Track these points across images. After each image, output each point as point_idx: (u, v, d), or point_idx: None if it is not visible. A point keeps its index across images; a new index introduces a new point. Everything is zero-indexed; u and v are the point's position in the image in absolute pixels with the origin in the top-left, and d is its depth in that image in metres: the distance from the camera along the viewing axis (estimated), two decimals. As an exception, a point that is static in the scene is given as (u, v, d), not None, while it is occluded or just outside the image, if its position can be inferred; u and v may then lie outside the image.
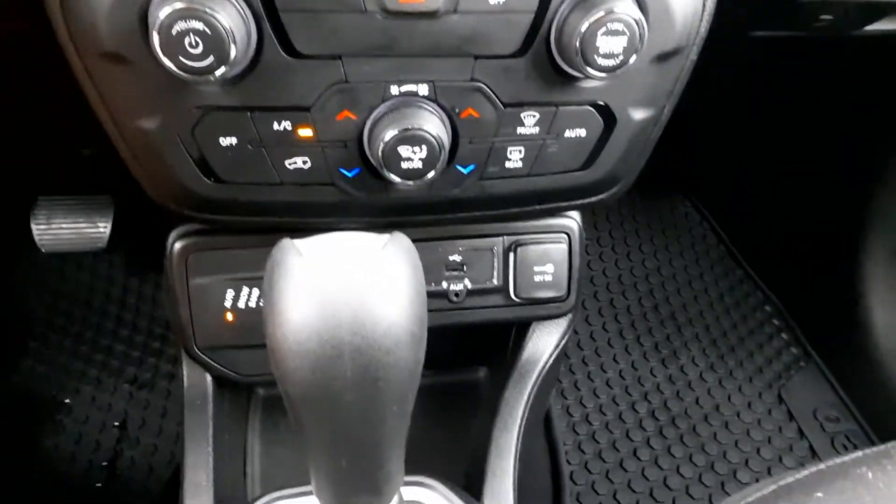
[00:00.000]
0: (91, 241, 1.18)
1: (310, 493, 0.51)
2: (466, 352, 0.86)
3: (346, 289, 0.33)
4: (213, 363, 0.67)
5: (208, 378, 0.68)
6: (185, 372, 0.68)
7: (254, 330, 0.65)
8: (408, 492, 0.54)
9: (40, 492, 1.06)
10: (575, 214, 0.70)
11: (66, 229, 1.17)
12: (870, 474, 0.50)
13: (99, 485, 1.06)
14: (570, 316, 0.73)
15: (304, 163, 0.53)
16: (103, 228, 1.19)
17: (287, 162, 0.52)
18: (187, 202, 0.55)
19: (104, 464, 1.08)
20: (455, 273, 0.68)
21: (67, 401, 1.17)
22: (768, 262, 1.42)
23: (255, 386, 0.82)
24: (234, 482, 0.70)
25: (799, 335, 1.33)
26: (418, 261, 0.37)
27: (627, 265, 1.43)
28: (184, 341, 0.66)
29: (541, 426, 1.09)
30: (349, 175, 0.54)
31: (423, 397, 0.88)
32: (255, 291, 0.65)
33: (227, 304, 0.65)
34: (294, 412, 0.37)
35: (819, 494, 0.48)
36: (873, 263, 1.23)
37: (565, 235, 0.69)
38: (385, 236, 0.36)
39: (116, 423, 1.13)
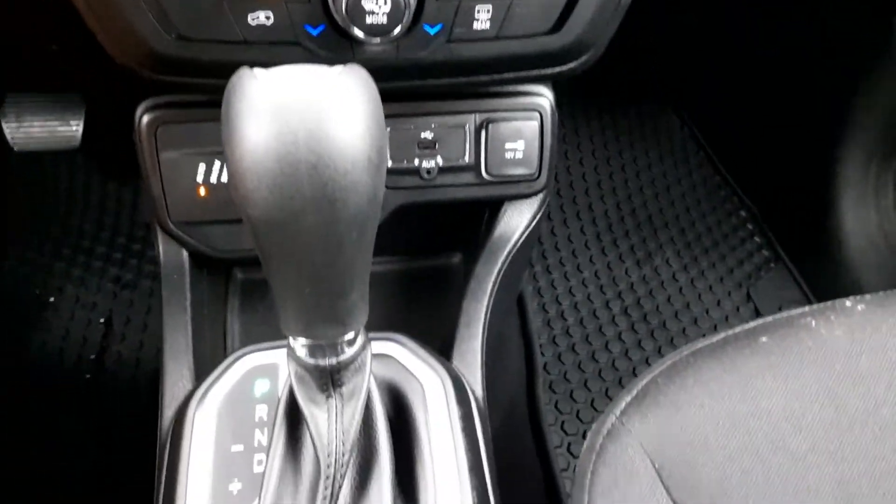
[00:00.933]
0: (64, 140, 1.16)
1: (285, 346, 0.53)
2: (441, 237, 0.88)
3: (302, 107, 0.34)
4: (187, 238, 0.68)
5: (184, 253, 0.69)
6: (160, 247, 0.69)
7: (227, 205, 0.66)
8: (377, 346, 0.56)
9: (32, 384, 1.09)
10: (547, 92, 0.70)
11: (38, 127, 1.15)
12: (813, 322, 0.53)
13: (88, 376, 1.09)
14: (541, 196, 0.74)
15: (267, 18, 0.52)
16: (75, 127, 1.16)
17: (249, 17, 0.51)
18: (150, 62, 0.54)
19: (92, 357, 1.11)
20: (427, 150, 0.68)
21: (52, 299, 1.18)
22: (746, 169, 1.43)
23: (232, 267, 0.83)
24: (214, 352, 0.72)
25: (771, 239, 1.36)
26: (375, 91, 0.37)
27: (607, 170, 1.43)
28: (158, 216, 0.67)
29: (514, 312, 1.13)
30: (314, 33, 0.53)
31: (398, 281, 0.90)
32: (227, 166, 0.65)
33: (199, 178, 0.66)
34: (258, 242, 0.38)
35: (763, 339, 0.51)
36: (847, 169, 1.24)
37: (537, 113, 0.69)
38: (341, 66, 0.36)
39: (102, 320, 1.16)
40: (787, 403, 0.47)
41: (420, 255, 0.89)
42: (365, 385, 0.46)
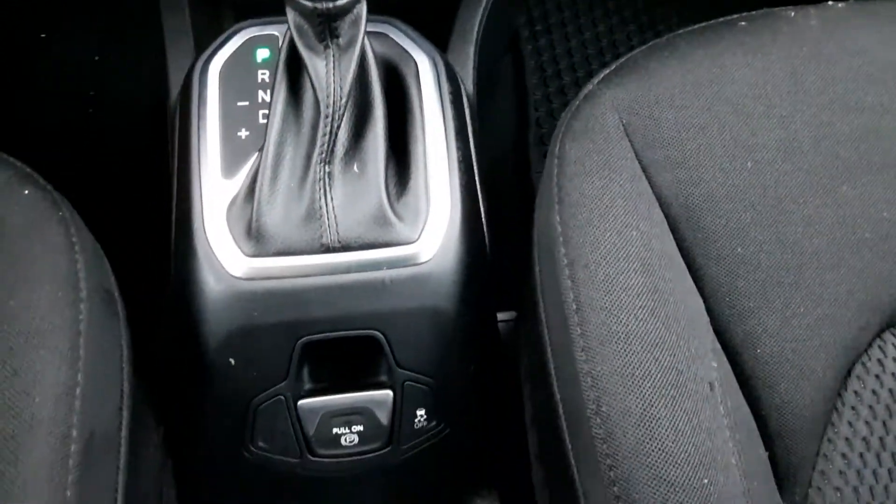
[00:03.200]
0: None
1: (283, 22, 0.55)
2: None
3: None
4: None
5: None
6: None
7: None
8: (373, 26, 0.58)
9: (33, 117, 1.12)
10: None
11: None
12: (792, 13, 0.55)
13: (91, 111, 1.12)
14: None
15: None
16: None
17: None
18: None
19: (91, 94, 1.13)
20: None
21: (42, 35, 1.17)
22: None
23: None
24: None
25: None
26: None
27: (620, -72, 1.34)
28: None
29: (509, 63, 1.14)
30: None
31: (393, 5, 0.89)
32: None
33: None
34: None
35: (742, 24, 0.54)
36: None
37: None
38: None
39: (96, 58, 1.16)
40: (752, 75, 0.51)
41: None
42: (360, 38, 0.49)
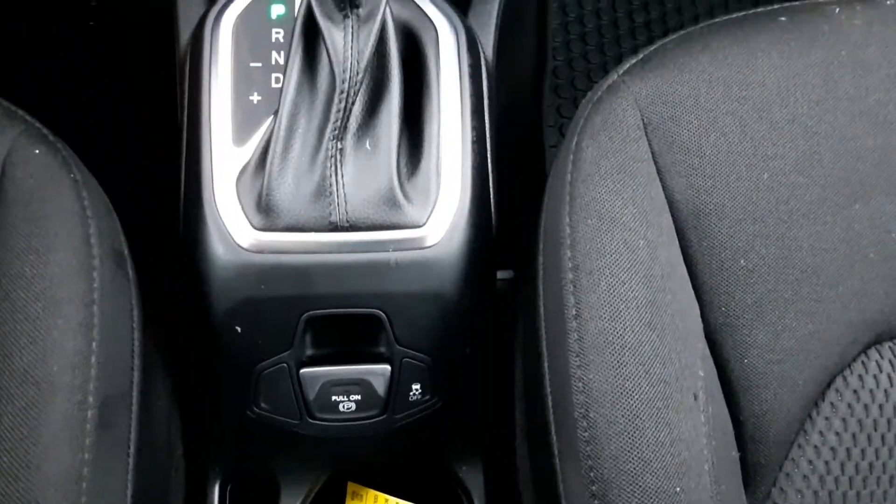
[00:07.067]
0: None
1: None
2: None
3: None
4: None
5: None
6: None
7: None
8: None
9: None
10: None
11: None
12: (836, 10, 0.52)
13: (94, 3, 1.07)
14: None
15: None
16: None
17: None
18: None
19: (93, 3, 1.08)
20: None
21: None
22: None
23: None
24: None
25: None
26: None
27: None
28: None
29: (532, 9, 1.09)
30: None
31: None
32: None
33: None
34: None
35: (782, 19, 0.51)
36: None
37: None
38: None
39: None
40: (784, 79, 0.49)
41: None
42: (381, 9, 0.47)
